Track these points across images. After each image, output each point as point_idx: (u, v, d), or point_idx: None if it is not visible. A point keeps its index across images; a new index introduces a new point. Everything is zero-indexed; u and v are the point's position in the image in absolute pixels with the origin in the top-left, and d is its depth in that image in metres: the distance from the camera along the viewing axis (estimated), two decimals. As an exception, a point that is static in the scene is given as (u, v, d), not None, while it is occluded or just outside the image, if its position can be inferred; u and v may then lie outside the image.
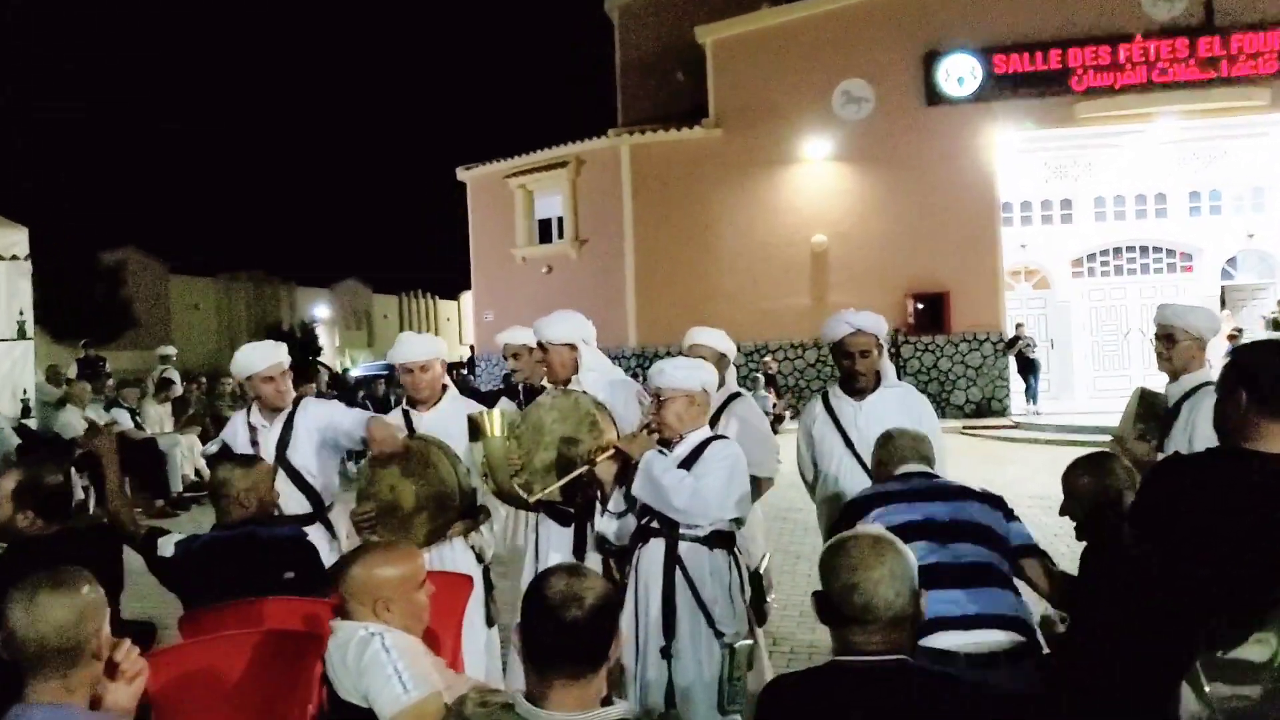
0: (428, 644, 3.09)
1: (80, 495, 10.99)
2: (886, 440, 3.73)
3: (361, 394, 20.05)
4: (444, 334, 53.58)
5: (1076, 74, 19.25)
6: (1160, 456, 4.02)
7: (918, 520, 3.23)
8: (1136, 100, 19.00)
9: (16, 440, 10.23)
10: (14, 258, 11.75)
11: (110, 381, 15.11)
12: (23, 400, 11.85)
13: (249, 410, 5.03)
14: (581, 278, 21.80)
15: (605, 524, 3.98)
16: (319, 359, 35.91)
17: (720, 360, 4.58)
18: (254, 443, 4.87)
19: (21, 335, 11.88)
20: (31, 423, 11.68)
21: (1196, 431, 3.96)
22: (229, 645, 3.38)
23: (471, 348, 23.38)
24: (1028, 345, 18.98)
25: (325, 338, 47.71)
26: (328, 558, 4.24)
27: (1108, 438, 4.57)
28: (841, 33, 20.04)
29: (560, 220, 22.67)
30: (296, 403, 4.97)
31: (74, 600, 2.08)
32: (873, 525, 2.49)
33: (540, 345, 4.60)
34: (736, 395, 4.58)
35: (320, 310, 50.70)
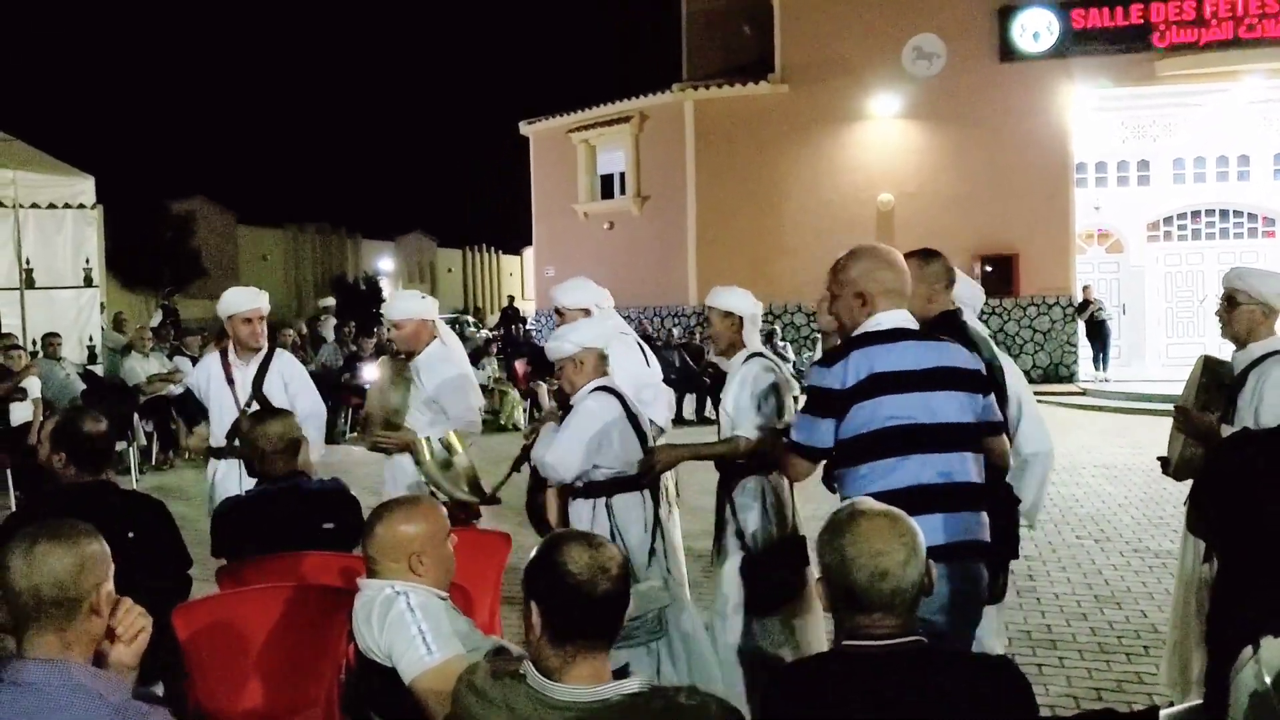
0: (463, 604, 3.05)
1: (143, 441, 11.25)
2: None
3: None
4: (506, 289, 53.84)
5: (1159, 30, 18.52)
6: (1225, 429, 3.82)
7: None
8: (1221, 58, 18.23)
9: (81, 386, 10.43)
10: (80, 206, 11.95)
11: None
12: (89, 346, 12.09)
13: (225, 352, 5.51)
14: (643, 234, 21.68)
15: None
16: (381, 311, 36.27)
17: (730, 320, 4.49)
18: (230, 380, 5.38)
19: (88, 283, 12.11)
20: (98, 369, 11.92)
21: (1264, 403, 3.75)
22: (262, 597, 3.38)
23: (508, 308, 22.93)
24: (1099, 310, 18.48)
25: (389, 291, 48.17)
26: None
27: (1178, 406, 4.31)
28: (915, -13, 19.50)
29: (622, 176, 22.51)
30: (273, 350, 5.53)
31: (72, 551, 2.01)
32: (873, 501, 2.21)
33: (558, 311, 5.02)
34: (753, 356, 4.43)
35: (384, 263, 51.18)
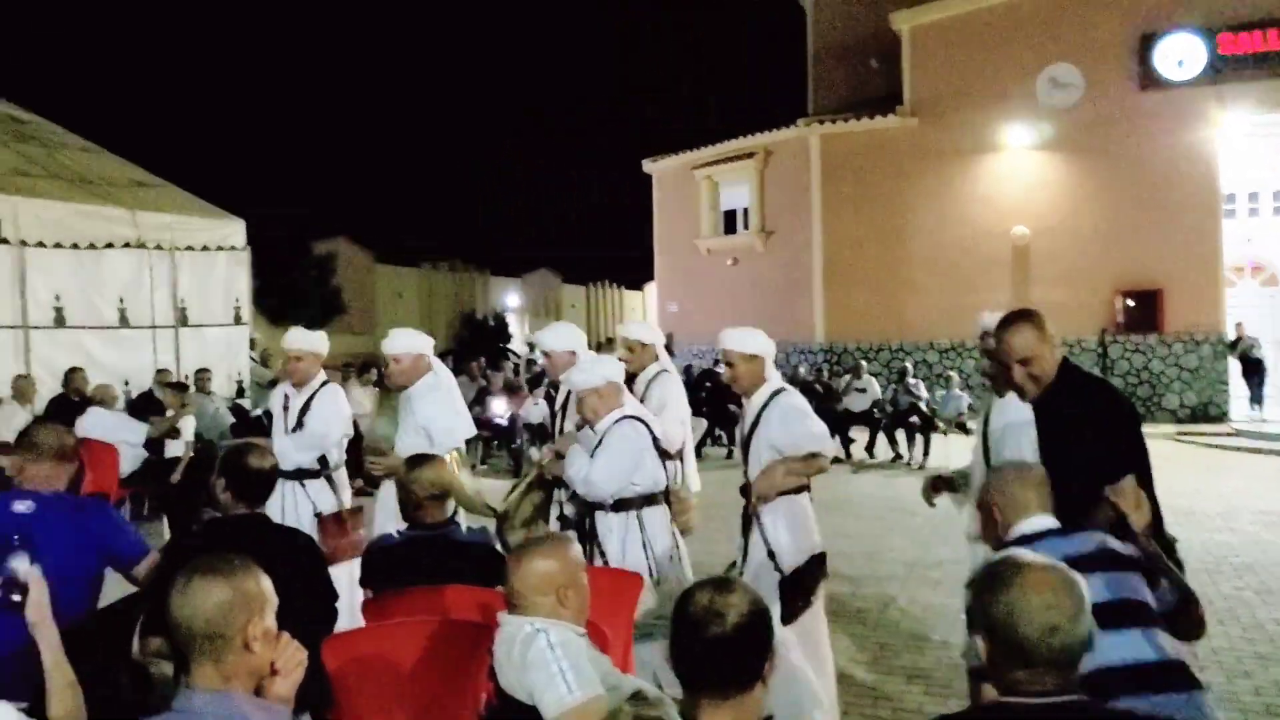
0: (599, 643, 3.05)
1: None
2: (1000, 480, 3.06)
3: (546, 381, 20.43)
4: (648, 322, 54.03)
5: (1313, 53, 17.68)
6: None
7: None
8: (1382, 80, 17.31)
9: (231, 419, 10.85)
10: (232, 248, 12.53)
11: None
12: (237, 381, 12.60)
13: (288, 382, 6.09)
14: (767, 270, 21.60)
15: (568, 505, 4.79)
16: (508, 346, 36.89)
17: (754, 361, 4.65)
18: (286, 407, 5.95)
19: (237, 320, 12.65)
20: (245, 402, 12.41)
21: None
22: (408, 631, 3.43)
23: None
24: (1252, 346, 17.57)
25: (515, 326, 49.03)
26: (328, 510, 5.49)
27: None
28: (1048, 16, 19.05)
29: (746, 211, 22.52)
30: (325, 384, 6.01)
31: (227, 588, 2.09)
32: (1042, 554, 2.12)
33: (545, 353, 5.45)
34: (778, 391, 4.64)
35: (511, 299, 52.16)
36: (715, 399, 15.28)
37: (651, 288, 34.25)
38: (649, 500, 4.53)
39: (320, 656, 3.21)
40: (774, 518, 4.50)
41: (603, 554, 4.48)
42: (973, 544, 4.17)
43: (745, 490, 4.68)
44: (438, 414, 5.36)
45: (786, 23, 26.79)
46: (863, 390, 14.75)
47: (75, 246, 10.73)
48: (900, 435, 13.90)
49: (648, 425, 4.53)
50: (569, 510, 4.78)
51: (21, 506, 3.21)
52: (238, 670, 2.08)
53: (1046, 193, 19.34)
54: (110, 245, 11.08)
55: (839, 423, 14.28)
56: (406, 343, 5.50)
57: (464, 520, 4.91)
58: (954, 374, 15.96)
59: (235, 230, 12.68)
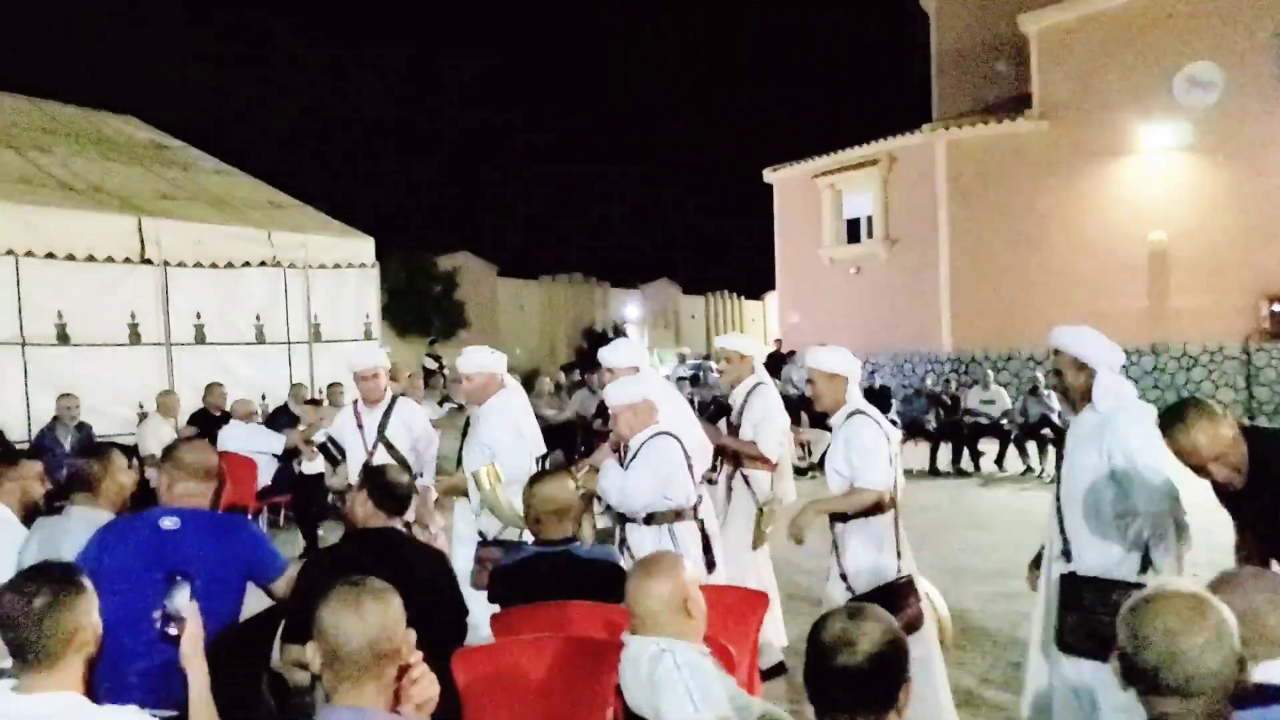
0: (725, 664, 3.01)
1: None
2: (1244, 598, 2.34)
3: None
4: (749, 335, 53.84)
5: None
6: None
7: None
8: None
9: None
10: (362, 265, 12.91)
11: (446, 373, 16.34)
12: (367, 394, 12.91)
13: (355, 404, 6.33)
14: (891, 279, 21.22)
15: (601, 517, 4.94)
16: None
17: (835, 380, 4.60)
18: (360, 425, 6.16)
19: (367, 335, 13.01)
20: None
21: None
22: (537, 647, 3.45)
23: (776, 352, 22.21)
24: None
25: (635, 337, 49.26)
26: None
27: None
28: (1186, 14, 18.25)
29: (869, 220, 22.16)
30: (395, 399, 6.26)
31: (384, 610, 2.17)
32: (1184, 582, 2.10)
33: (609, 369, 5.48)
34: (855, 413, 4.53)
35: (631, 310, 52.43)
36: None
37: (772, 297, 34.04)
38: (679, 514, 4.67)
39: (450, 670, 3.25)
40: (849, 538, 4.45)
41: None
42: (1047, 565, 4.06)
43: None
44: (501, 434, 5.44)
45: (909, 27, 26.32)
46: (991, 401, 14.34)
47: (214, 266, 11.18)
48: (1031, 447, 13.46)
49: (680, 441, 4.68)
50: (602, 522, 4.91)
51: (168, 523, 3.32)
52: (383, 689, 2.15)
53: (1185, 195, 18.52)
54: (247, 264, 11.51)
55: (967, 434, 13.92)
56: (479, 361, 5.60)
57: (588, 537, 4.94)
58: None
59: (365, 248, 13.06)
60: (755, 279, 49.51)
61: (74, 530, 3.48)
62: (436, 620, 3.47)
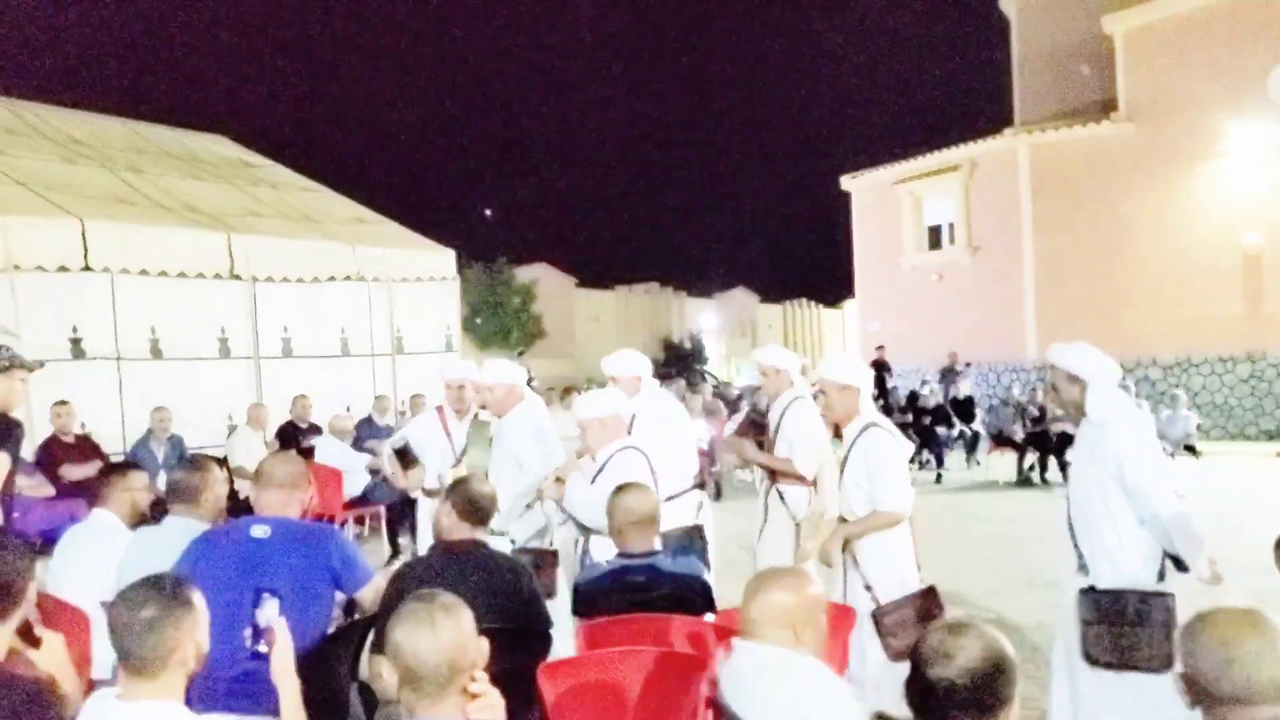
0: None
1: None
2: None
3: (745, 404, 20.23)
4: (827, 344, 53.52)
5: None
6: None
7: None
8: None
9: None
10: (443, 278, 13.07)
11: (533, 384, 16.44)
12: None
13: (441, 410, 6.40)
14: (974, 286, 20.87)
15: (562, 528, 5.00)
16: (705, 369, 37.01)
17: (848, 391, 4.62)
18: (447, 434, 6.23)
19: (448, 348, 13.15)
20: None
21: None
22: (624, 660, 3.43)
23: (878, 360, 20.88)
24: None
25: (712, 347, 49.14)
26: None
27: None
28: (1275, 11, 17.68)
29: (951, 226, 21.84)
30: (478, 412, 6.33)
31: (458, 627, 2.19)
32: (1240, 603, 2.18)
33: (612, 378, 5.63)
34: (869, 426, 4.56)
35: (707, 320, 52.36)
36: (921, 420, 14.84)
37: (851, 305, 33.73)
38: None
39: (535, 680, 3.25)
40: (866, 549, 4.50)
41: None
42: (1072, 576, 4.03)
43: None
44: (522, 442, 5.56)
45: (988, 30, 25.89)
46: (1078, 411, 13.97)
47: (301, 281, 11.40)
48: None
49: (647, 457, 4.77)
50: (564, 534, 4.97)
51: (259, 532, 3.38)
52: (461, 701, 2.17)
53: (1281, 197, 17.93)
54: (332, 279, 11.72)
55: (1055, 444, 13.59)
56: (500, 373, 5.76)
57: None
58: (1180, 392, 14.95)
59: (446, 261, 13.22)
60: (833, 287, 49.09)
61: (173, 539, 3.56)
62: (519, 631, 3.48)
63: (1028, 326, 19.83)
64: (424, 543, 6.16)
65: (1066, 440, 13.71)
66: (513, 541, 5.39)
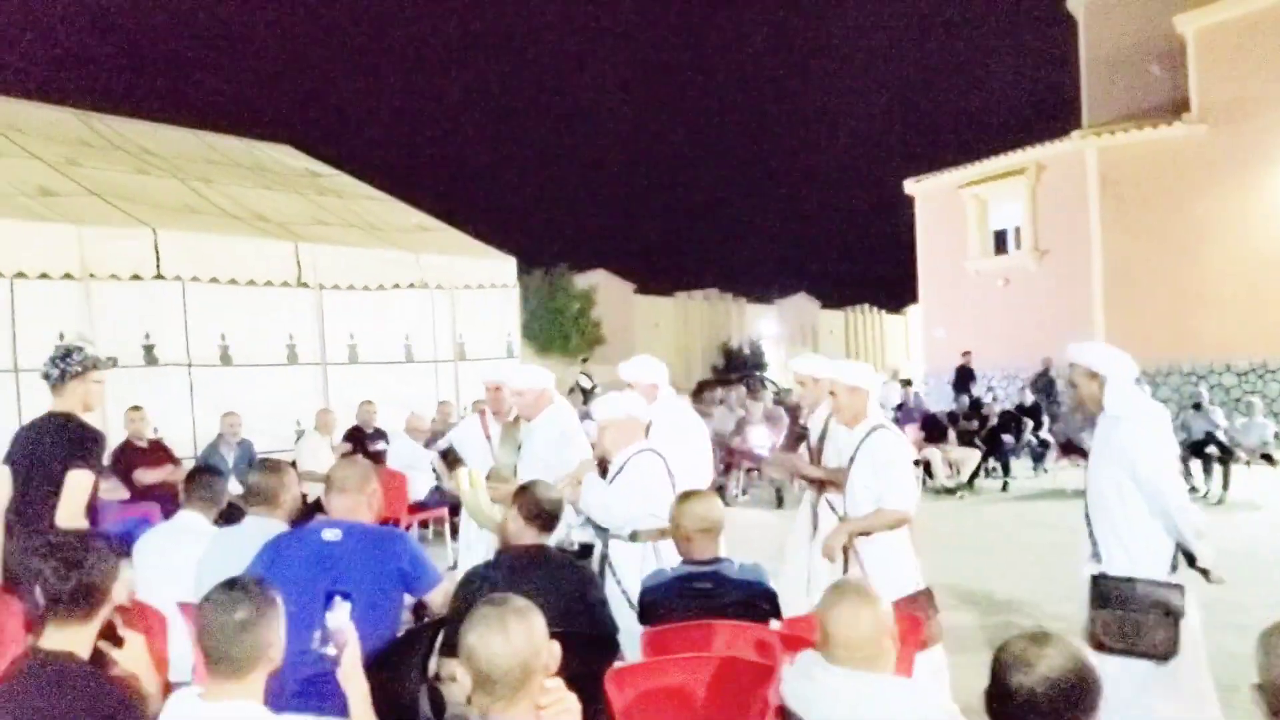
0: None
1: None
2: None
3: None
4: (890, 350, 53.02)
5: None
6: None
7: None
8: None
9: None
10: (504, 285, 13.19)
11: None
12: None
13: (483, 414, 6.54)
14: (1041, 291, 20.54)
15: (578, 531, 4.93)
16: (765, 376, 36.86)
17: (857, 394, 4.82)
18: (487, 435, 6.35)
19: (509, 353, 13.26)
20: (518, 432, 12.93)
21: None
22: (689, 666, 3.42)
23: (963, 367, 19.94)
24: None
25: (772, 354, 48.88)
26: None
27: None
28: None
29: (1017, 230, 21.53)
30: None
31: (530, 630, 2.21)
32: None
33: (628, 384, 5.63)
34: (877, 428, 4.76)
35: (767, 326, 52.07)
36: (988, 428, 14.60)
37: (914, 311, 33.37)
38: (663, 532, 4.62)
39: (600, 686, 3.25)
40: (867, 548, 4.65)
41: (619, 582, 4.64)
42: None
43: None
44: (546, 445, 5.61)
45: (1054, 31, 25.50)
46: (1150, 418, 13.64)
47: (366, 288, 11.56)
48: (1195, 466, 12.79)
49: (664, 460, 4.79)
50: (581, 536, 4.99)
51: (330, 535, 3.43)
52: (534, 704, 2.19)
53: (1364, 198, 17.41)
54: (397, 286, 11.88)
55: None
56: (530, 377, 5.83)
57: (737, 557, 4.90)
58: (1256, 399, 14.56)
59: (507, 268, 13.34)
60: (896, 292, 48.58)
61: (253, 540, 3.63)
62: (585, 636, 3.48)
63: (1097, 332, 19.45)
64: (464, 543, 6.42)
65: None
66: None
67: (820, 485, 5.67)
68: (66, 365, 4.61)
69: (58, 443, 4.44)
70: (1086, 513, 4.21)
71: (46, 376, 4.67)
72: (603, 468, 5.08)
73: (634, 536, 4.68)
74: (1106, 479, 4.09)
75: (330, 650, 2.71)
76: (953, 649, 6.20)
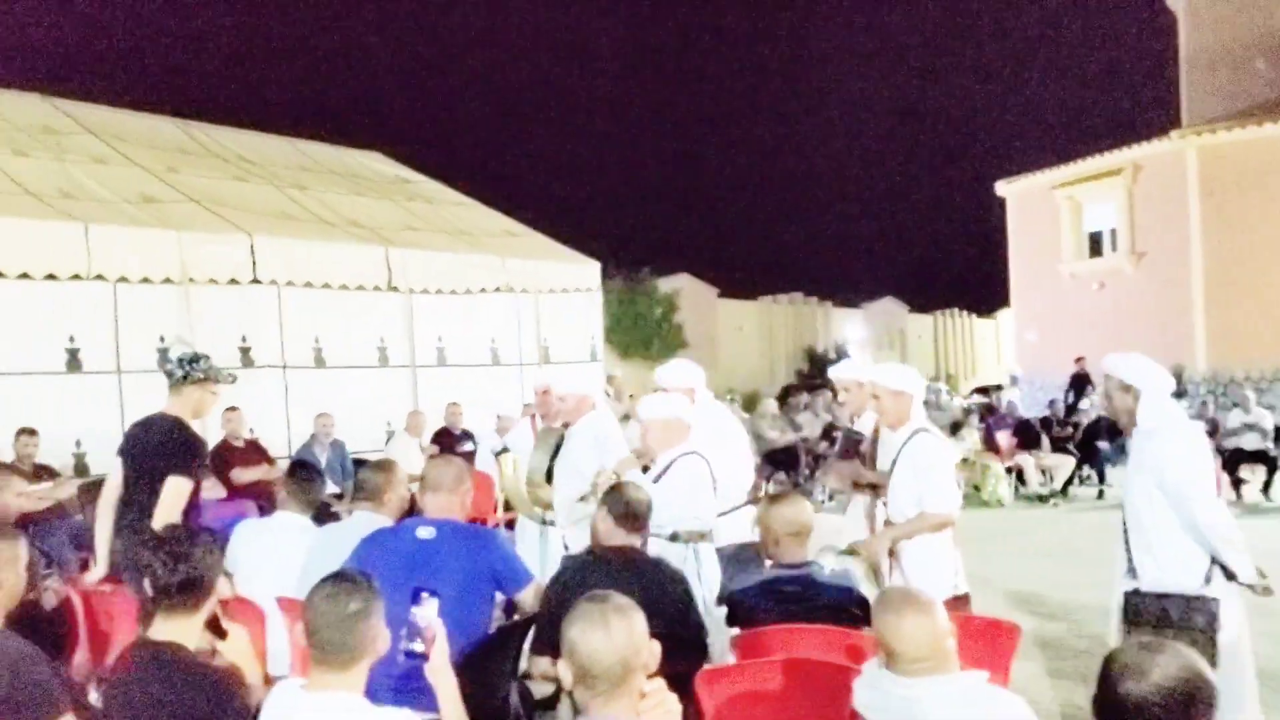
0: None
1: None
2: None
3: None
4: (980, 355, 52.05)
5: None
6: None
7: None
8: None
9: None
10: (588, 289, 13.25)
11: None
12: (594, 416, 13.20)
13: (534, 418, 6.68)
14: (1138, 294, 19.99)
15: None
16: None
17: (901, 397, 4.79)
18: (535, 438, 6.40)
19: (592, 357, 13.31)
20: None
21: None
22: (779, 669, 3.41)
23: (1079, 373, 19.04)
24: None
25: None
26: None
27: None
28: None
29: (1113, 232, 20.99)
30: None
31: (632, 627, 2.23)
32: None
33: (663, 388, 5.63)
34: (919, 431, 4.73)
35: (853, 331, 51.50)
36: (1083, 434, 14.24)
37: (1005, 315, 32.74)
38: (703, 535, 4.79)
39: (689, 688, 3.24)
40: (909, 551, 4.64)
41: None
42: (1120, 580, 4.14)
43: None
44: (581, 450, 5.65)
45: (1152, 27, 24.83)
46: (1253, 425, 13.18)
47: (454, 293, 11.72)
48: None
49: (708, 463, 4.84)
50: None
51: (424, 533, 3.49)
52: (633, 702, 2.21)
53: None
54: (484, 290, 12.01)
55: (1228, 461, 12.85)
56: (573, 383, 5.97)
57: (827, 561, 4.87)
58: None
59: (591, 272, 13.39)
60: (987, 296, 47.67)
61: (358, 535, 3.71)
62: (675, 637, 3.48)
63: (1196, 337, 18.86)
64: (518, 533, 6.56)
65: (1240, 456, 12.97)
66: (566, 546, 5.49)
67: (874, 489, 5.65)
68: (191, 369, 4.72)
69: (165, 444, 4.57)
70: (1124, 528, 4.19)
71: (169, 375, 4.77)
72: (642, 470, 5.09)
73: (674, 537, 4.70)
74: (1139, 492, 4.07)
75: (417, 646, 2.73)
76: (1046, 659, 6.08)
